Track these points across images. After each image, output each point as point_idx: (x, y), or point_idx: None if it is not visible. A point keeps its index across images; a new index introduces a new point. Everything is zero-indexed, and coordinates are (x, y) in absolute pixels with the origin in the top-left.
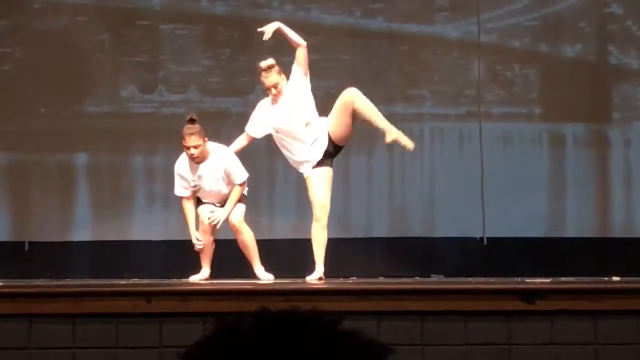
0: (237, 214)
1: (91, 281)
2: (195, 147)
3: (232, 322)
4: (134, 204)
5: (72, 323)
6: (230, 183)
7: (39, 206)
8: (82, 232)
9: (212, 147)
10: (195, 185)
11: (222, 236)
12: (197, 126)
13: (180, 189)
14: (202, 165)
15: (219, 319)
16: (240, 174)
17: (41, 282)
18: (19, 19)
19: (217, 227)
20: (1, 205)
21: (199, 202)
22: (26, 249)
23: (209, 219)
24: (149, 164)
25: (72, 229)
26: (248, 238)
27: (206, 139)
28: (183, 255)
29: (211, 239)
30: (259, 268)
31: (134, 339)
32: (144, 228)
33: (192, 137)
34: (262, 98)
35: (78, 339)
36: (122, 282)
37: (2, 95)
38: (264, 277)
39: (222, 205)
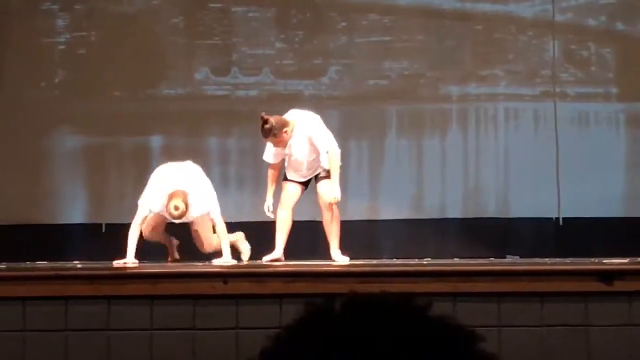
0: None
1: (168, 263)
2: (277, 143)
3: (322, 305)
4: None
5: (150, 305)
6: (316, 151)
7: (115, 188)
8: None
9: (297, 119)
10: (286, 154)
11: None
12: (270, 126)
13: (269, 155)
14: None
15: (309, 301)
16: (325, 139)
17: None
18: (95, 3)
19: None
20: (78, 188)
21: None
22: (103, 230)
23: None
24: (223, 146)
25: None
26: (336, 217)
27: (283, 127)
28: (258, 237)
29: (289, 217)
30: (335, 250)
31: (211, 320)
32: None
33: (269, 138)
34: (336, 80)
35: (156, 321)
36: (199, 263)
37: (77, 79)
38: (340, 259)
39: (306, 181)
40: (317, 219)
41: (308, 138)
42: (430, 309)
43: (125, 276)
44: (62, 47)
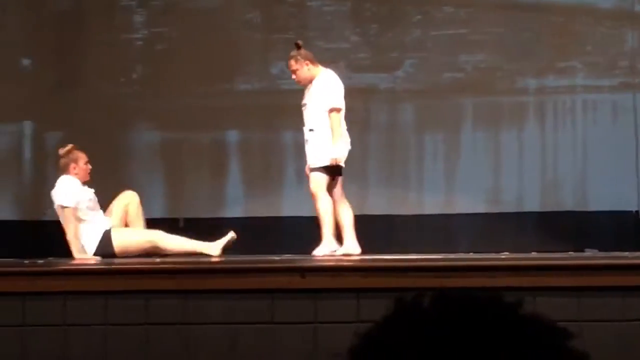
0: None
1: (245, 257)
2: (293, 71)
3: (411, 302)
4: (284, 180)
5: (229, 299)
6: (322, 108)
7: (192, 183)
8: (234, 208)
9: (321, 72)
10: (304, 104)
11: (365, 212)
12: (296, 51)
13: None
14: (307, 90)
15: (398, 298)
16: (332, 99)
17: (195, 258)
18: None
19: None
20: (156, 183)
21: None
22: (181, 225)
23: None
24: (299, 140)
25: (224, 205)
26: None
27: (307, 62)
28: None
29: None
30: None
31: (289, 314)
32: (294, 204)
33: (290, 61)
34: (411, 74)
35: (236, 315)
36: (277, 258)
37: (155, 75)
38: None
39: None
40: (393, 212)
41: (318, 90)
42: (521, 305)
43: (205, 271)
44: (140, 43)
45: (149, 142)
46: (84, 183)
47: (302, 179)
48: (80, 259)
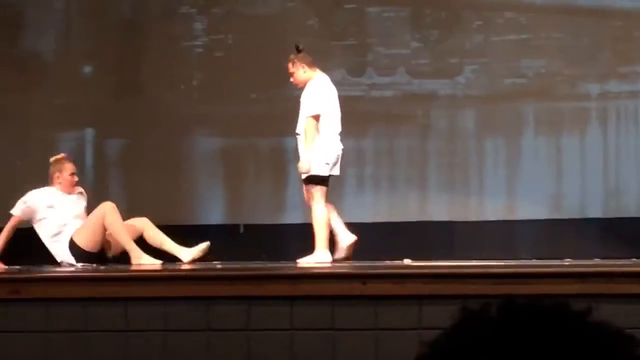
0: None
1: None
2: (290, 74)
3: (478, 311)
4: (343, 186)
5: (289, 305)
6: (305, 114)
7: (252, 189)
8: (294, 214)
9: (315, 76)
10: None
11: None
12: (294, 54)
13: None
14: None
15: (464, 307)
16: (310, 106)
17: (259, 264)
18: (232, 6)
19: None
20: (216, 189)
21: None
22: (241, 231)
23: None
24: (359, 147)
25: (284, 211)
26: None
27: (303, 66)
28: (394, 237)
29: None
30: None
31: (349, 321)
32: (353, 210)
33: (288, 64)
34: (471, 80)
35: (295, 321)
36: (337, 264)
37: (215, 81)
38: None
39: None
40: (454, 218)
41: (304, 95)
42: (590, 313)
43: (265, 277)
44: (200, 50)
45: (208, 148)
46: (69, 193)
47: (362, 185)
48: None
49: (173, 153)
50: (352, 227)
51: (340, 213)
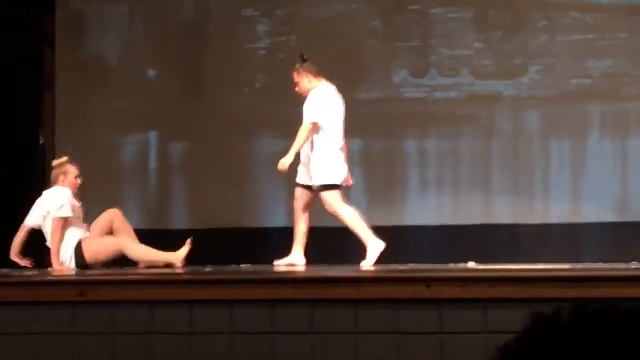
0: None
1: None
2: (295, 83)
3: (550, 316)
4: (407, 188)
5: (353, 308)
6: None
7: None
8: None
9: (318, 86)
10: None
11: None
12: (299, 64)
13: None
14: None
15: (535, 311)
16: (309, 112)
17: (323, 267)
18: (295, 8)
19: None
20: (279, 192)
21: None
22: None
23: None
24: (421, 149)
25: None
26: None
27: (308, 75)
28: (457, 240)
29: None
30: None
31: (414, 324)
32: (417, 213)
33: (293, 73)
34: (536, 80)
35: (359, 324)
36: (401, 267)
37: (278, 84)
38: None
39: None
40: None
41: (306, 105)
42: None
43: (330, 280)
44: (263, 52)
45: (272, 151)
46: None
47: (426, 187)
48: (58, 269)
49: (236, 156)
50: (414, 229)
51: (404, 215)
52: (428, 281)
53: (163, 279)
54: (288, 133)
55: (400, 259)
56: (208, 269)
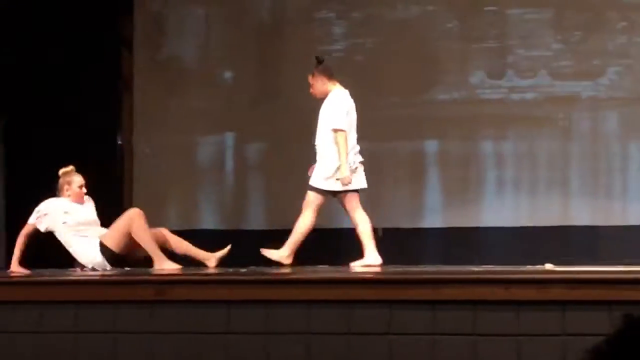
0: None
1: (446, 268)
2: (310, 85)
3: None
4: (483, 190)
5: (431, 309)
6: (324, 126)
7: (391, 193)
8: (433, 218)
9: (334, 90)
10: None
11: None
12: (316, 67)
13: None
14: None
15: (626, 314)
16: (337, 119)
17: (400, 268)
18: (371, 10)
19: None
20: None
21: None
22: (379, 234)
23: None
24: (499, 150)
25: (423, 215)
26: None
27: (322, 78)
28: (535, 242)
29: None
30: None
31: (491, 326)
32: (494, 214)
33: (309, 75)
34: (615, 81)
35: (438, 326)
36: (477, 269)
37: (354, 85)
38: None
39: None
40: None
41: (324, 109)
42: None
43: (407, 281)
44: (339, 54)
45: None
46: (79, 204)
47: (503, 189)
48: (16, 271)
49: (311, 157)
50: (491, 231)
51: (480, 216)
52: (505, 283)
53: (241, 279)
54: (363, 135)
55: (477, 261)
56: (285, 269)
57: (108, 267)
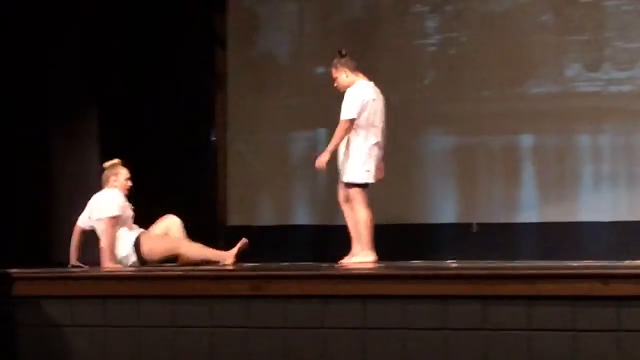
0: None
1: (542, 263)
2: (333, 79)
3: None
4: (580, 184)
5: (527, 305)
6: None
7: (485, 188)
8: (528, 213)
9: (355, 82)
10: None
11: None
12: (338, 59)
13: None
14: None
15: None
16: (346, 110)
17: (494, 263)
18: (465, 3)
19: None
20: (449, 188)
21: None
22: (474, 230)
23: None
24: (595, 144)
25: (518, 210)
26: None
27: (345, 71)
28: (633, 236)
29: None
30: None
31: (591, 321)
32: (591, 208)
33: (331, 69)
34: None
35: (534, 322)
36: (575, 264)
37: (448, 80)
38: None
39: None
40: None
41: (344, 101)
42: None
43: (503, 277)
44: (433, 48)
45: (441, 147)
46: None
47: (599, 183)
48: (109, 267)
49: (405, 152)
50: (588, 226)
51: (577, 211)
52: (604, 278)
53: (336, 274)
54: (458, 130)
55: (574, 256)
56: (379, 264)
57: (129, 263)
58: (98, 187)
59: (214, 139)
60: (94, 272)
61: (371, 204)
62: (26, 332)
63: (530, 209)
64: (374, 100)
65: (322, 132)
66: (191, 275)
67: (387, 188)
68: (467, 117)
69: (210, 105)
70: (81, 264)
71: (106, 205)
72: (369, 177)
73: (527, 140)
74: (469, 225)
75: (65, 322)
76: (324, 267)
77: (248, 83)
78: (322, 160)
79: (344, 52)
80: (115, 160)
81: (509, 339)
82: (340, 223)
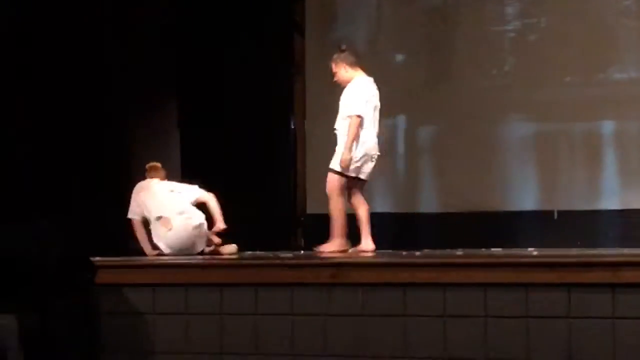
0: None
1: (625, 250)
2: (333, 73)
3: None
4: None
5: (610, 292)
6: (343, 113)
7: (567, 175)
8: (610, 200)
9: (355, 77)
10: None
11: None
12: (337, 54)
13: None
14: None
15: None
16: (354, 106)
17: (577, 251)
18: None
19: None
20: (530, 175)
21: None
22: (555, 217)
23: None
24: None
25: (599, 197)
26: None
27: (345, 66)
28: None
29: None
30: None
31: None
32: None
33: (331, 63)
34: None
35: (617, 310)
36: None
37: (527, 66)
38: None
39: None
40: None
41: (344, 96)
42: None
43: (587, 264)
44: (512, 34)
45: (522, 134)
46: None
47: None
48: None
49: (485, 139)
50: None
51: None
52: None
53: (416, 262)
54: (538, 116)
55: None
56: (459, 252)
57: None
58: (175, 179)
59: (293, 127)
60: (176, 260)
61: (452, 191)
62: (110, 319)
63: (612, 196)
64: (373, 96)
65: (401, 119)
66: (272, 264)
67: (467, 176)
68: (547, 104)
69: (289, 93)
70: (160, 250)
71: (187, 186)
72: (353, 171)
73: (608, 127)
74: (550, 212)
75: (148, 310)
76: (402, 255)
77: (326, 71)
78: (345, 159)
79: (343, 47)
80: (156, 163)
81: (593, 327)
82: (419, 210)
